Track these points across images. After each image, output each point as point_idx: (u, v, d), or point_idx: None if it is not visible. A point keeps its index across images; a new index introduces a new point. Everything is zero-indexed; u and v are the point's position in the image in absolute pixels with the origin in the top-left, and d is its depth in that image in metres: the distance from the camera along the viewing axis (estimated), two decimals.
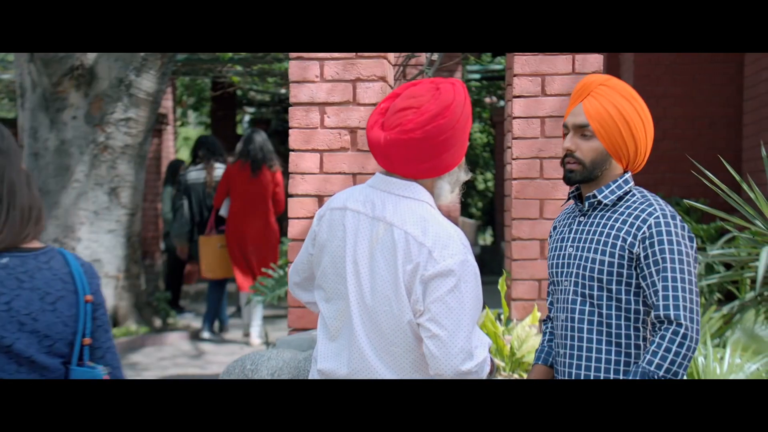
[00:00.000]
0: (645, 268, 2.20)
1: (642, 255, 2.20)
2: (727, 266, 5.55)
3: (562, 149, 2.32)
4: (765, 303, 4.60)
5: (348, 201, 2.12)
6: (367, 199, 2.10)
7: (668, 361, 2.12)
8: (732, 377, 3.87)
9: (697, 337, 2.14)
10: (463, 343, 2.00)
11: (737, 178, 4.72)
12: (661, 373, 2.13)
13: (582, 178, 2.30)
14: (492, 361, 2.15)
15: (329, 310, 2.13)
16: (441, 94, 2.06)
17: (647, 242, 2.19)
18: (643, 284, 2.21)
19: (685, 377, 2.17)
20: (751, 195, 4.64)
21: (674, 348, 2.12)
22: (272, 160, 7.29)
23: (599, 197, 2.29)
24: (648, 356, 2.14)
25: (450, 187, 2.15)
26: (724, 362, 3.93)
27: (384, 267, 2.03)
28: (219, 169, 7.80)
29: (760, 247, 4.64)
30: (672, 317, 2.13)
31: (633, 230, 2.21)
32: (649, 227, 2.19)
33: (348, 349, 2.09)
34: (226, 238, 7.32)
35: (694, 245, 2.24)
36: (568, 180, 2.33)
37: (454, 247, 2.02)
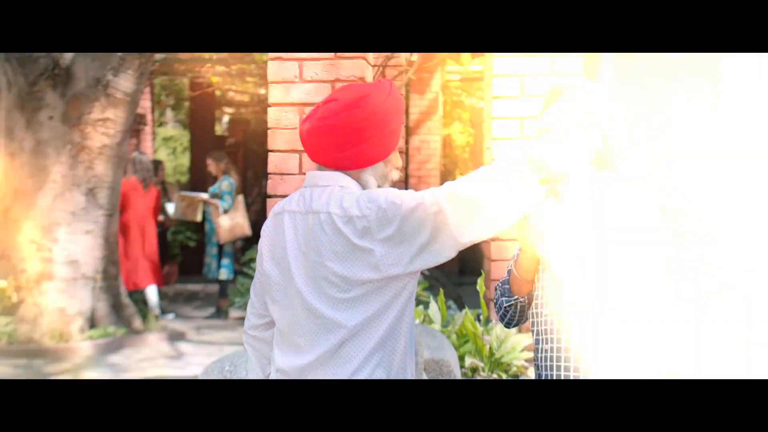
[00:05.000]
0: None
1: None
2: None
3: None
4: None
5: (285, 204, 2.21)
6: (301, 197, 2.18)
7: None
8: None
9: None
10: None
11: None
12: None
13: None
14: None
15: (283, 314, 2.17)
16: (362, 88, 2.15)
17: None
18: None
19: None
20: None
21: None
22: (153, 177, 9.02)
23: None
24: None
25: (375, 181, 2.20)
26: None
27: (321, 252, 2.07)
28: None
29: None
30: None
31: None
32: None
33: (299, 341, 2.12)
34: (124, 242, 8.57)
35: None
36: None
37: (372, 194, 2.06)
